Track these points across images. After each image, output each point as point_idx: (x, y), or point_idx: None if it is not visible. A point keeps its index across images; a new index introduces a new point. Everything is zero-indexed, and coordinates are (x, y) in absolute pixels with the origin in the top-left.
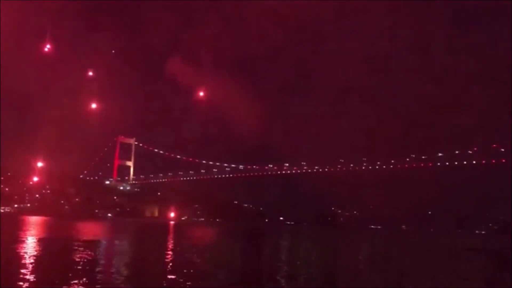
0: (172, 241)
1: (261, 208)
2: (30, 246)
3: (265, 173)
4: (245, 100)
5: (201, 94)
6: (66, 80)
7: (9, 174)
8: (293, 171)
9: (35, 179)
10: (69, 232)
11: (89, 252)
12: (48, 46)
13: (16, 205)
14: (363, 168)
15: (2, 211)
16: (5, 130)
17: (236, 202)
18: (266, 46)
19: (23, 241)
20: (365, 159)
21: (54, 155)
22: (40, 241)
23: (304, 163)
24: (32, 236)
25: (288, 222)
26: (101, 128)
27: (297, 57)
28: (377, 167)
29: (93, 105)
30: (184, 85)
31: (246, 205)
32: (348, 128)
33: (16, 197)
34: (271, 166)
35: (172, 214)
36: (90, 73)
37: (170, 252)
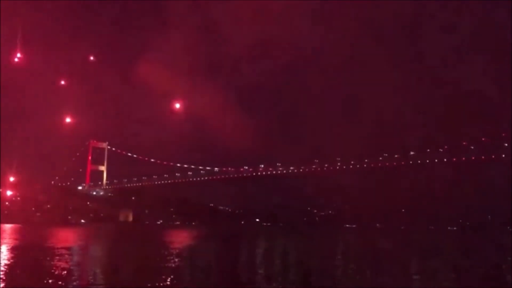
0: (146, 246)
1: (237, 211)
2: (2, 255)
3: (240, 175)
4: (220, 102)
5: (177, 105)
6: (37, 87)
7: None
8: (268, 172)
9: (9, 193)
10: (40, 239)
11: (63, 259)
12: (18, 55)
13: None
14: (337, 168)
15: None
16: None
17: (212, 205)
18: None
19: None
20: (339, 158)
21: (24, 162)
22: (12, 249)
23: (279, 164)
24: (3, 244)
25: (264, 224)
26: (72, 133)
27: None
28: (351, 166)
29: (66, 116)
30: (158, 88)
31: (221, 207)
32: (323, 128)
33: None
34: (246, 168)
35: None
36: (62, 82)
37: (144, 257)
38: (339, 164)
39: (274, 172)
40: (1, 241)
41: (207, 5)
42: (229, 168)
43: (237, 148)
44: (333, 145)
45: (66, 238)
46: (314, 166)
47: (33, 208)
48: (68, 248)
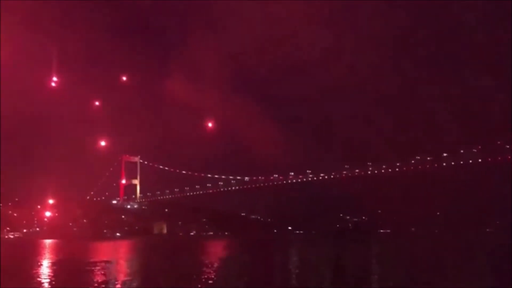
0: (184, 257)
1: (269, 219)
2: (44, 270)
3: (270, 183)
4: (249, 112)
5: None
6: (71, 106)
7: (16, 199)
8: (299, 180)
9: (48, 214)
10: (78, 253)
11: (102, 273)
12: (54, 79)
13: (25, 230)
14: (369, 172)
15: (11, 236)
16: (12, 156)
17: (243, 214)
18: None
19: (37, 265)
20: (370, 163)
21: (61, 179)
22: (54, 264)
23: (309, 171)
24: (44, 259)
25: (297, 231)
26: (105, 148)
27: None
28: (382, 170)
29: (99, 133)
30: (188, 102)
31: (253, 216)
32: (353, 132)
33: (24, 221)
34: (276, 176)
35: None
36: (96, 103)
37: (183, 268)
38: (370, 168)
39: (304, 179)
40: (42, 256)
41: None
42: (259, 177)
43: (267, 157)
44: (364, 149)
45: (104, 251)
46: (345, 172)
47: (70, 223)
48: (107, 262)
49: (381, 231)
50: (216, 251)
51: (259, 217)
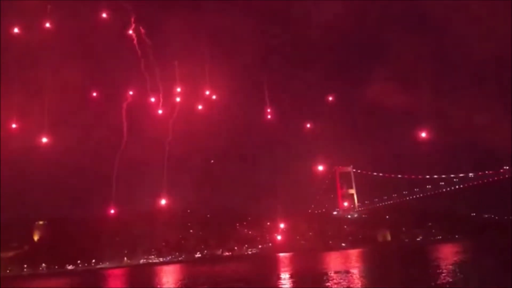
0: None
1: (505, 217)
2: (289, 280)
3: (501, 177)
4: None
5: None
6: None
7: (249, 218)
8: None
9: (279, 237)
10: (313, 265)
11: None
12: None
13: (260, 246)
14: None
15: (249, 252)
16: (241, 180)
17: (474, 214)
18: None
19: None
20: None
21: (284, 197)
22: (295, 275)
23: None
24: (284, 272)
25: None
26: (319, 163)
27: None
28: None
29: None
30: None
31: (486, 215)
32: None
33: (258, 238)
34: (507, 168)
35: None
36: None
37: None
38: None
39: None
40: (281, 268)
41: None
42: (486, 172)
43: (489, 150)
44: None
45: (335, 262)
46: None
47: (297, 237)
48: (345, 272)
49: None
50: (452, 257)
51: (493, 216)
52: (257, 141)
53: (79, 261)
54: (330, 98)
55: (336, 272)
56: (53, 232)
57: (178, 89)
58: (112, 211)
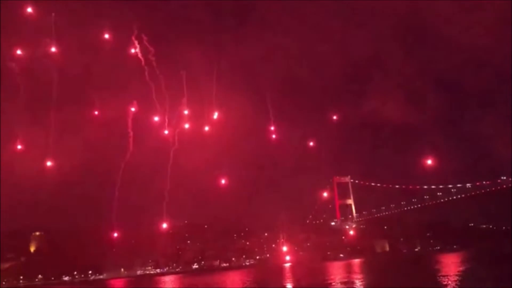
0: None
1: (503, 227)
2: None
3: (498, 187)
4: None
5: None
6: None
7: (246, 229)
8: None
9: (284, 248)
10: (313, 276)
11: None
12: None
13: (257, 257)
14: None
15: (247, 263)
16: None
17: (472, 224)
18: None
19: None
20: None
21: (282, 208)
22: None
23: None
24: (288, 282)
25: None
26: (316, 174)
27: None
28: None
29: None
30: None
31: (483, 226)
32: None
33: (256, 249)
34: (504, 178)
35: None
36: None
37: None
38: None
39: None
40: (284, 279)
41: None
42: (484, 182)
43: (487, 159)
44: None
45: (335, 273)
46: None
47: (295, 248)
48: (346, 283)
49: None
50: (453, 267)
51: (490, 226)
52: (257, 154)
53: (75, 272)
54: (332, 115)
55: (342, 283)
56: (50, 243)
57: (186, 111)
58: (114, 232)
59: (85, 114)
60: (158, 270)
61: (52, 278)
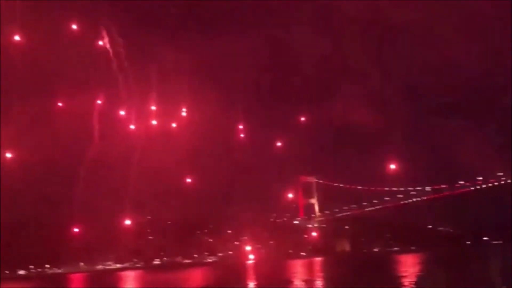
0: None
1: (459, 231)
2: None
3: (455, 191)
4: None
5: None
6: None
7: (211, 226)
8: (489, 185)
9: (248, 247)
10: (277, 274)
11: None
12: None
13: (220, 254)
14: None
15: (209, 260)
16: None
17: (430, 226)
18: None
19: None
20: None
21: (248, 205)
22: (262, 283)
23: (502, 174)
24: (249, 280)
25: (495, 242)
26: (281, 173)
27: None
28: None
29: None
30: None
31: (441, 228)
32: None
33: (219, 246)
34: (462, 182)
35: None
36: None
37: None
38: None
39: (496, 183)
40: (246, 277)
41: None
42: (442, 186)
43: (446, 164)
44: None
45: (297, 271)
46: None
47: (258, 246)
48: (307, 281)
49: None
50: (411, 268)
51: (448, 229)
52: (224, 153)
53: (31, 266)
54: (300, 117)
55: (303, 281)
56: (3, 236)
57: (153, 107)
58: (74, 227)
59: (49, 105)
60: (118, 265)
61: (6, 272)
